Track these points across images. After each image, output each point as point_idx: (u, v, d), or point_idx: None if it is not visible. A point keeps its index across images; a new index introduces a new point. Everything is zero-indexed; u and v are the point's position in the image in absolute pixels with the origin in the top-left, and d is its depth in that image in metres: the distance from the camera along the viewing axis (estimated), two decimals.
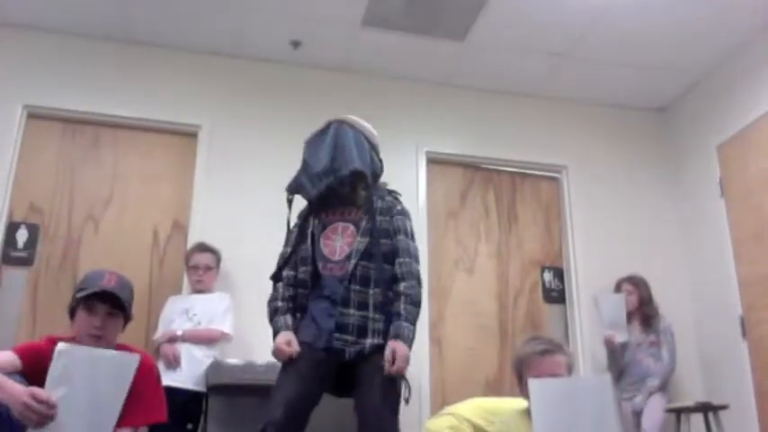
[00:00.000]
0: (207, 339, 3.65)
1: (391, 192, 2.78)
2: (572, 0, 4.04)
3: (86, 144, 4.31)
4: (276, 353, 2.51)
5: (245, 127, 4.50)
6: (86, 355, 2.06)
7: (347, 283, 2.51)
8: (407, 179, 4.63)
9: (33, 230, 4.07)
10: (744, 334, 4.21)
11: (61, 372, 1.97)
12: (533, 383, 1.88)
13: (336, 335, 2.48)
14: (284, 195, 2.78)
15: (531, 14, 4.15)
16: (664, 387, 4.05)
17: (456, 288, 4.57)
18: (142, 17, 4.27)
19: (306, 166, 2.68)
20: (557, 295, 4.71)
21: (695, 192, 4.78)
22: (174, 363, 3.53)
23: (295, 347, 2.47)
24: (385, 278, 2.54)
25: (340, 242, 2.61)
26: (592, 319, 4.50)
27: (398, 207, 2.69)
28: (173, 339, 3.60)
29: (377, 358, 2.46)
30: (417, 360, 4.12)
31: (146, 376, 2.33)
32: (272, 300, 2.65)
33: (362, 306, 2.50)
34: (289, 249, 2.67)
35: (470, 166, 4.86)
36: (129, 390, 2.00)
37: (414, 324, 2.52)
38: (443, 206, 4.73)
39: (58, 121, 4.29)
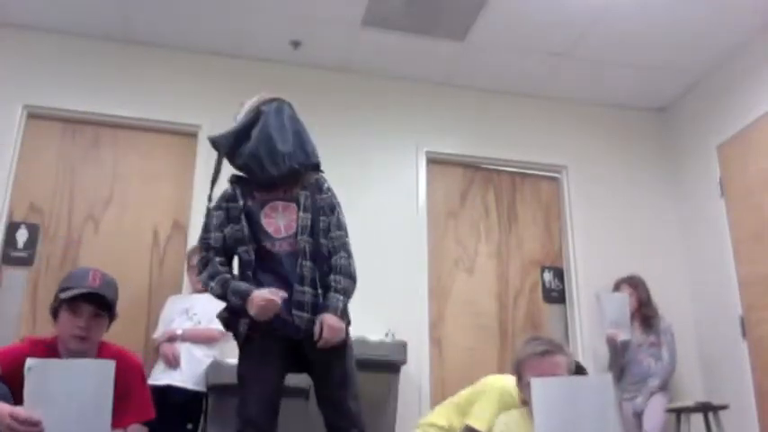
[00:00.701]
0: (207, 339, 3.65)
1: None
2: (572, 0, 4.04)
3: (86, 144, 4.31)
4: (264, 308, 2.37)
5: None
6: (60, 367, 1.99)
7: (300, 260, 2.49)
8: (407, 179, 4.63)
9: (33, 230, 4.07)
10: (744, 334, 4.21)
11: (37, 388, 1.89)
12: (536, 382, 1.88)
13: (294, 312, 2.45)
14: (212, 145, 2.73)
15: (531, 14, 4.15)
16: (664, 387, 4.05)
17: (456, 288, 4.57)
18: (142, 17, 4.27)
19: (265, 139, 2.61)
20: (557, 295, 4.71)
21: (695, 192, 4.78)
22: (173, 362, 3.53)
23: (281, 294, 2.39)
24: (326, 253, 2.55)
25: (283, 220, 2.57)
26: (592, 319, 4.51)
27: (326, 185, 2.69)
28: (172, 339, 3.60)
29: (339, 349, 2.47)
30: (417, 360, 4.12)
31: (131, 376, 2.31)
32: (214, 274, 2.53)
33: (313, 283, 2.49)
34: (218, 234, 2.57)
35: (470, 166, 4.86)
36: (113, 392, 1.94)
37: (345, 295, 2.49)
38: (443, 206, 4.73)
39: (58, 121, 4.30)
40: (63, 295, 2.30)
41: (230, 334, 3.66)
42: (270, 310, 2.38)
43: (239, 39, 4.46)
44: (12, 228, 4.03)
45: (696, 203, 4.76)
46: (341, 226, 2.62)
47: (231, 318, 2.55)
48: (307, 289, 2.48)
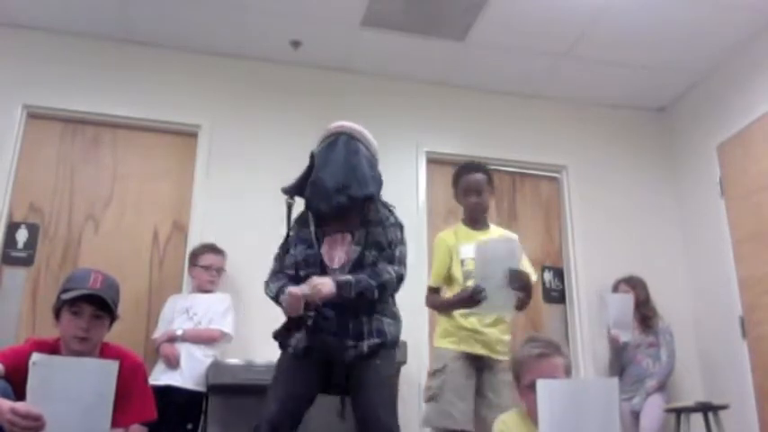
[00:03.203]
0: (207, 339, 3.65)
1: (385, 204, 2.77)
2: (572, 0, 4.04)
3: (86, 144, 4.31)
4: (289, 304, 2.43)
5: (245, 127, 4.50)
6: (64, 364, 2.01)
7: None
8: (407, 179, 4.63)
9: (33, 230, 4.07)
10: (744, 334, 4.21)
11: (40, 383, 1.92)
12: (541, 384, 1.88)
13: (334, 339, 2.49)
14: (282, 195, 2.77)
15: (531, 14, 4.15)
16: (662, 387, 4.05)
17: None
18: (142, 17, 4.27)
19: (317, 180, 2.64)
20: (557, 295, 4.71)
21: (695, 192, 4.78)
22: (173, 363, 3.53)
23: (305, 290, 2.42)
24: None
25: (339, 251, 2.60)
26: (592, 319, 4.51)
27: (392, 219, 2.70)
28: (172, 339, 3.61)
29: (375, 360, 2.51)
30: (418, 360, 4.12)
31: (133, 376, 2.32)
32: (274, 280, 2.60)
33: (356, 312, 2.52)
34: (292, 253, 2.63)
35: None
36: (115, 392, 1.96)
37: (357, 280, 2.47)
38: (443, 206, 4.72)
39: (58, 121, 4.30)
40: (64, 296, 2.32)
41: (230, 335, 3.72)
42: (296, 306, 2.42)
43: (239, 39, 4.46)
44: (12, 228, 4.03)
45: (696, 203, 4.76)
46: (392, 259, 2.59)
47: (285, 333, 2.58)
48: (348, 317, 2.51)
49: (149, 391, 2.46)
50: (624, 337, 4.13)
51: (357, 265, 2.54)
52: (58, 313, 2.35)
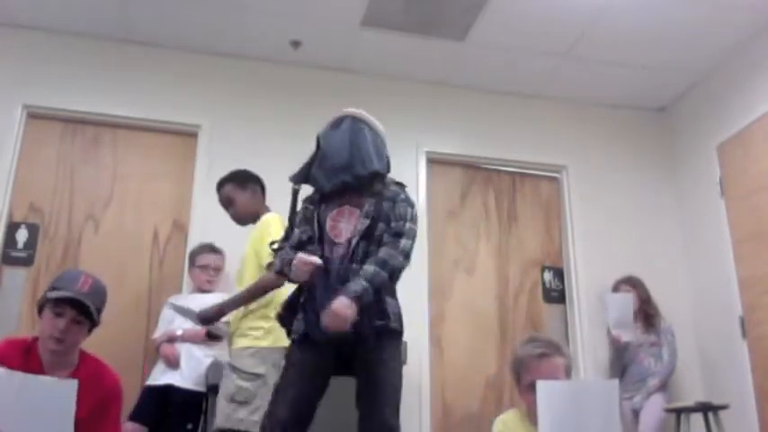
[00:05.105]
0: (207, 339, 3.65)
1: (397, 183, 2.78)
2: (572, 0, 4.04)
3: (86, 144, 4.31)
4: (298, 269, 2.41)
5: (245, 127, 4.50)
6: (23, 381, 2.00)
7: (348, 263, 2.47)
8: (407, 179, 4.48)
9: (33, 230, 4.07)
10: (744, 334, 4.21)
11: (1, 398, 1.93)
12: (540, 385, 1.88)
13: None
14: (284, 194, 2.77)
15: (532, 14, 4.15)
16: (664, 387, 4.06)
17: (456, 288, 4.57)
18: (142, 17, 4.27)
19: (322, 159, 2.64)
20: (557, 295, 4.71)
21: (695, 192, 4.78)
22: (173, 362, 3.53)
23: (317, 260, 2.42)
24: None
25: (346, 224, 2.57)
26: (592, 319, 4.51)
27: (402, 195, 2.68)
28: (172, 339, 3.61)
29: (377, 346, 2.47)
30: (417, 360, 4.12)
31: (108, 403, 2.32)
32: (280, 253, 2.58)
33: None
34: (297, 231, 2.61)
35: (470, 166, 4.86)
36: (90, 411, 1.97)
37: (370, 282, 2.40)
38: (443, 206, 4.73)
39: (58, 121, 4.30)
40: (49, 294, 2.32)
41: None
42: (304, 270, 2.41)
43: (239, 39, 4.46)
44: (12, 228, 4.03)
45: (696, 203, 4.76)
46: (399, 233, 2.53)
47: (286, 315, 2.56)
48: None
49: (119, 417, 2.46)
50: (626, 336, 4.13)
51: (365, 237, 2.50)
52: (41, 309, 2.35)
